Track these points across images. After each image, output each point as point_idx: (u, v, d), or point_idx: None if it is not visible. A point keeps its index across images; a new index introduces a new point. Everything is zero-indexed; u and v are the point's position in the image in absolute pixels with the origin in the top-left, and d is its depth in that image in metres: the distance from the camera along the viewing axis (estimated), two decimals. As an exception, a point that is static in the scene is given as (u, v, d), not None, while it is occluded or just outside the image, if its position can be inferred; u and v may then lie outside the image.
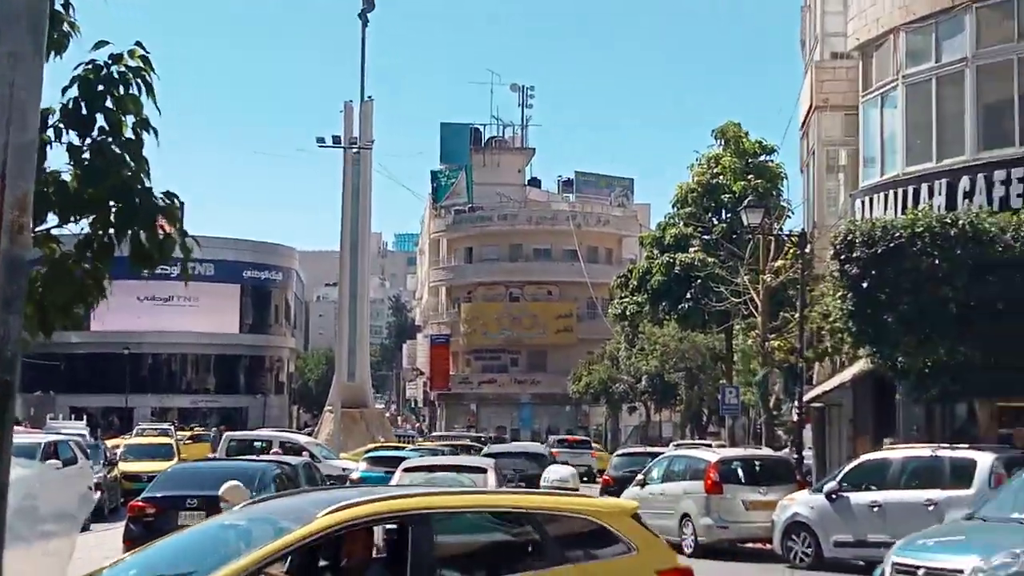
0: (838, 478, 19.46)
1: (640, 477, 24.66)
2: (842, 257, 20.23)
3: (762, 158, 42.68)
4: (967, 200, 21.31)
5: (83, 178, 6.47)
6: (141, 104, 6.55)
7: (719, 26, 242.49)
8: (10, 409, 3.91)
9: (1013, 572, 10.56)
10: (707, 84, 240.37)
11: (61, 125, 6.53)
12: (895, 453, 19.20)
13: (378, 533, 8.27)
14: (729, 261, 34.58)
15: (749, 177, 41.22)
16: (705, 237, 41.49)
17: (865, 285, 19.79)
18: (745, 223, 30.09)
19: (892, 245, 19.58)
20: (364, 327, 60.92)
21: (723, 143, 43.07)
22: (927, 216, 19.96)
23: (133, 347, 76.74)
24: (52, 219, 6.58)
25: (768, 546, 20.76)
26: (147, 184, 6.55)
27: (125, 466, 31.27)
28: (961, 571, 10.86)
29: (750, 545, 22.08)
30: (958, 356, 19.45)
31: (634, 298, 46.81)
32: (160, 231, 6.54)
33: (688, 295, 41.38)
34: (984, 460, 16.99)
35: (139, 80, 6.52)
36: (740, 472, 22.51)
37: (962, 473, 17.13)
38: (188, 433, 53.05)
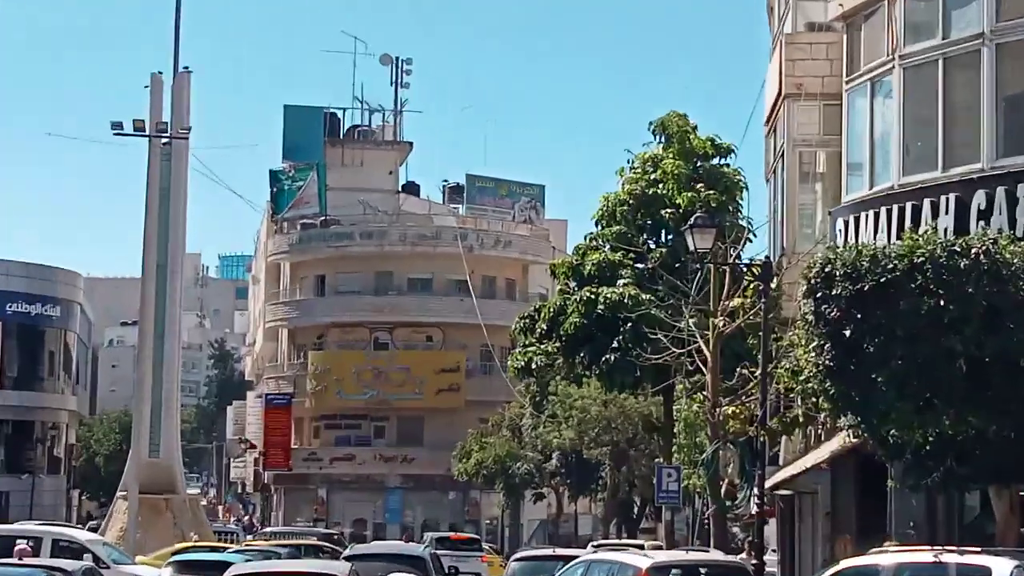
0: (810, 591, 19.68)
1: (547, 590, 24.66)
2: (817, 295, 20.42)
3: (715, 161, 43.18)
4: (983, 221, 21.75)
5: None
6: None
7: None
8: None
9: None
10: (645, 65, 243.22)
11: None
12: (887, 559, 19.39)
13: None
14: (669, 298, 34.83)
15: (698, 186, 41.65)
16: (638, 266, 41.75)
17: (848, 333, 20.00)
18: (691, 248, 30.26)
19: (883, 280, 19.80)
20: (173, 382, 60.04)
21: (664, 140, 43.49)
22: (930, 242, 20.21)
23: None
24: None
25: None
26: None
27: None
28: None
29: None
30: (968, 429, 19.78)
31: (543, 347, 46.89)
32: None
33: (615, 344, 41.55)
34: (1001, 568, 17.23)
35: None
36: (681, 583, 22.61)
37: (972, 585, 17.37)
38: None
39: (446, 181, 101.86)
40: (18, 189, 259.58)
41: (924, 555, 19.10)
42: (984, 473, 20.61)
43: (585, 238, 46.13)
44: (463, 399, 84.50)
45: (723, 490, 35.95)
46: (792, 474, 30.20)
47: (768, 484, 30.26)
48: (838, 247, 22.08)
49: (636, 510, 58.49)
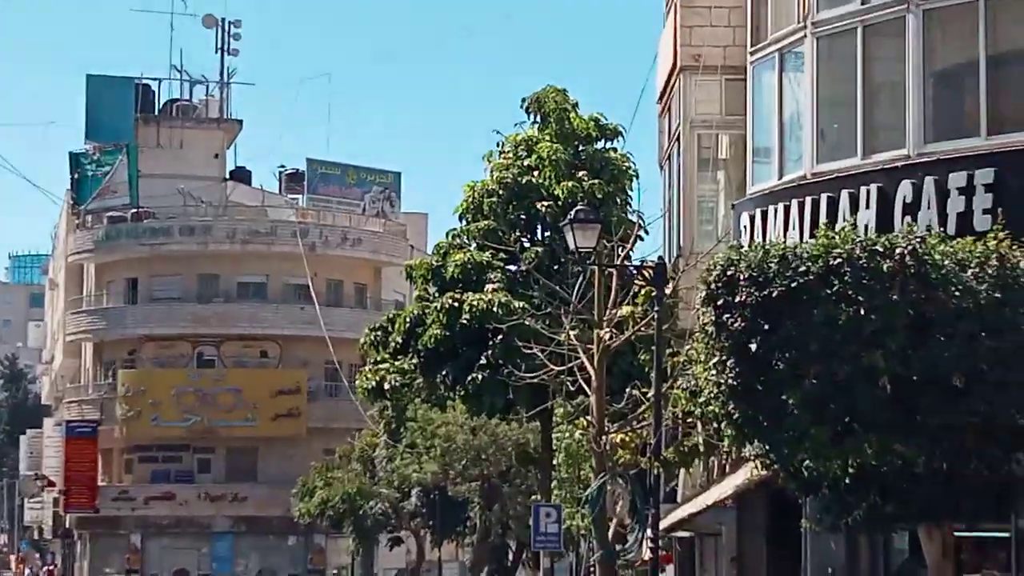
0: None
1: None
2: (719, 303, 20.56)
3: (600, 145, 43.41)
4: (908, 217, 21.97)
5: None
6: None
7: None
8: None
9: None
10: (519, 34, 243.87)
11: None
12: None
13: None
14: (547, 307, 34.95)
15: (580, 174, 41.84)
16: (510, 268, 41.86)
17: (754, 347, 20.16)
18: (572, 247, 30.45)
19: (795, 285, 19.98)
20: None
21: (540, 120, 43.65)
22: (848, 241, 20.40)
23: None
24: None
25: None
26: None
27: None
28: None
29: None
30: (894, 458, 20.05)
31: (398, 363, 46.86)
32: None
33: (483, 360, 41.67)
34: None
35: None
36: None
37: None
38: None
39: (283, 167, 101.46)
40: None
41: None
42: (913, 511, 20.86)
43: (447, 235, 46.10)
44: (304, 426, 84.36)
45: (611, 532, 36.17)
46: (691, 513, 30.44)
47: (663, 524, 30.49)
48: (742, 246, 22.20)
49: (510, 556, 58.61)
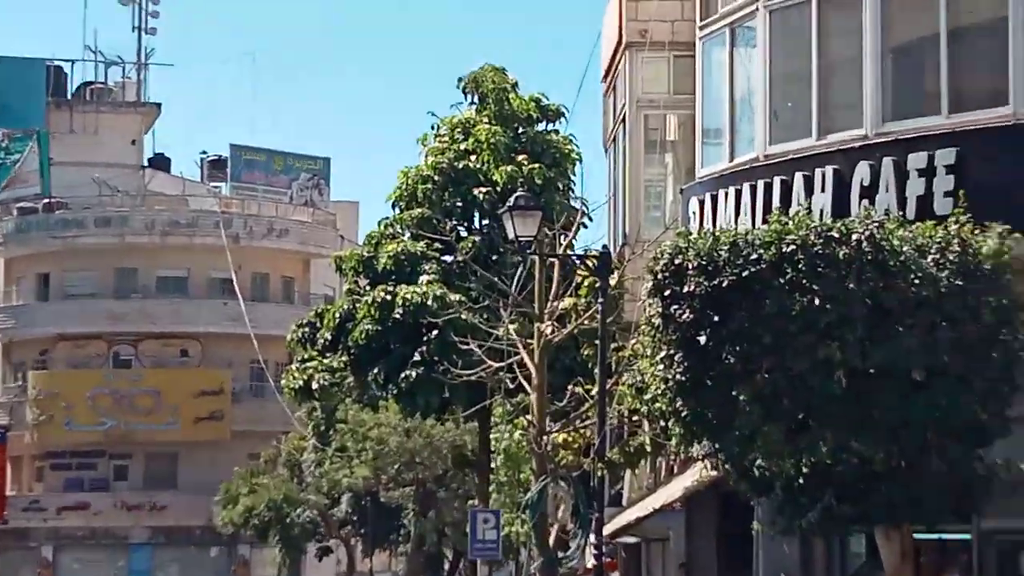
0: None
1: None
2: (667, 293, 20.57)
3: (541, 127, 43.51)
4: (866, 200, 21.99)
5: None
6: None
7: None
8: None
9: None
10: (455, 9, 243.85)
11: None
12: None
13: None
14: (485, 300, 34.96)
15: (520, 158, 41.93)
16: (446, 259, 41.90)
17: (703, 340, 20.21)
18: (511, 235, 30.46)
19: (747, 274, 20.02)
20: None
21: (478, 101, 43.69)
22: (803, 227, 20.44)
23: None
24: None
25: None
26: None
27: None
28: None
29: None
30: (850, 457, 20.12)
31: (327, 361, 46.86)
32: None
33: (417, 356, 41.69)
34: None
35: None
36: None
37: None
38: None
39: (204, 153, 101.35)
40: None
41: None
42: (870, 512, 20.92)
43: (380, 224, 46.12)
44: (228, 429, 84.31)
45: (553, 538, 36.21)
46: (638, 517, 30.52)
47: (608, 530, 30.56)
48: (691, 233, 22.21)
49: (447, 566, 58.70)
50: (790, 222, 20.76)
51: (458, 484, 50.84)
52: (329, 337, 45.82)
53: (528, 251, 31.86)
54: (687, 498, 27.24)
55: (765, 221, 21.95)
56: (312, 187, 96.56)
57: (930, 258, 20.04)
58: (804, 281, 19.87)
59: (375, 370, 43.74)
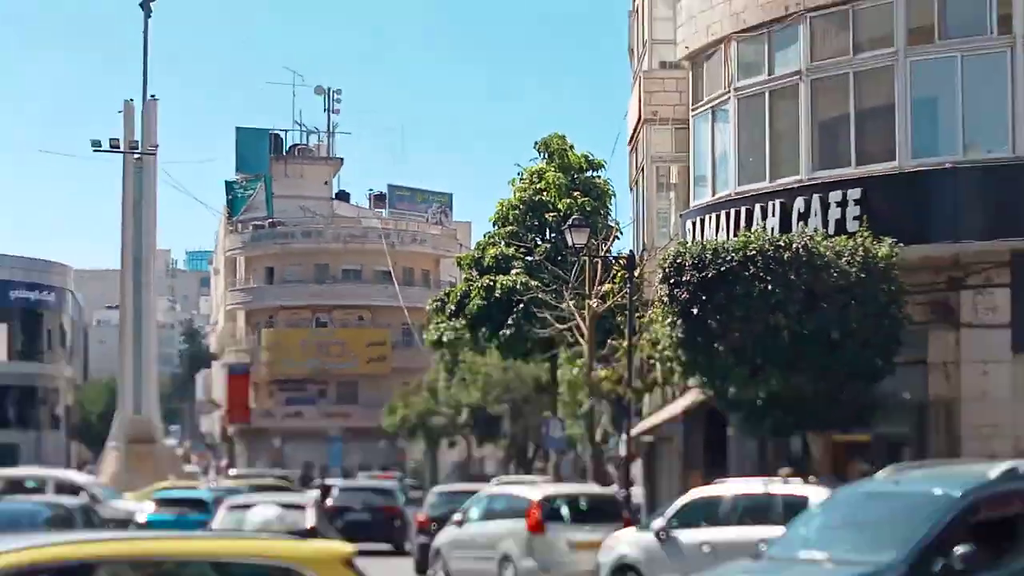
0: (667, 516, 19.72)
1: (458, 516, 24.64)
2: (671, 281, 20.51)
3: (589, 174, 43.32)
4: (802, 222, 21.77)
5: None
6: None
7: (545, 33, 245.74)
8: None
9: None
10: (532, 94, 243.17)
11: None
12: (726, 489, 19.62)
13: None
14: (553, 284, 34.91)
15: (575, 194, 41.77)
16: (528, 258, 41.82)
17: (695, 311, 20.11)
18: (570, 243, 30.38)
19: (723, 269, 19.93)
20: (150, 354, 59.38)
21: (547, 157, 43.56)
22: (760, 239, 20.37)
23: None
24: None
25: (595, 591, 20.95)
26: None
27: None
28: None
29: (575, 590, 22.25)
30: (791, 387, 19.98)
31: (452, 324, 46.80)
32: None
33: (510, 321, 41.58)
34: (817, 496, 17.42)
35: None
36: (564, 510, 22.66)
37: (796, 510, 17.54)
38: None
39: (371, 190, 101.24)
40: (14, 194, 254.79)
41: (757, 486, 19.37)
42: (804, 422, 20.84)
43: (485, 236, 46.06)
44: (389, 367, 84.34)
45: (598, 437, 36.17)
46: (653, 424, 30.40)
47: (634, 432, 30.47)
48: (687, 243, 22.17)
49: (531, 453, 58.59)
50: (752, 236, 20.68)
51: (536, 402, 50.71)
52: (453, 308, 45.75)
53: (581, 254, 31.84)
54: (685, 413, 27.13)
55: (735, 235, 21.85)
56: (440, 212, 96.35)
57: (844, 259, 19.93)
58: (761, 274, 19.79)
59: (483, 329, 43.70)
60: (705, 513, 19.22)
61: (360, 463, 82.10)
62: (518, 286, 40.26)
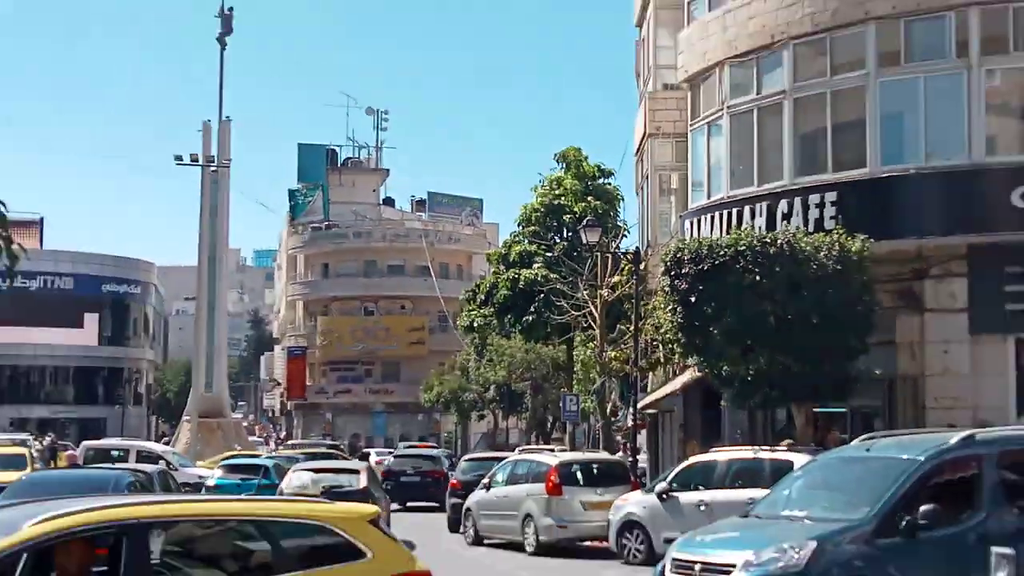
0: (668, 479, 19.78)
1: (486, 480, 24.71)
2: (672, 273, 20.50)
3: (601, 181, 43.30)
4: (785, 221, 21.73)
5: None
6: None
7: (564, 59, 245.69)
8: None
9: (780, 566, 10.80)
10: (553, 111, 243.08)
11: None
12: (720, 455, 19.60)
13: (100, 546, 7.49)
14: (570, 277, 34.90)
15: (589, 198, 41.77)
16: (548, 254, 41.83)
17: (693, 299, 20.09)
18: (584, 241, 30.36)
19: (717, 262, 19.91)
20: (222, 339, 59.72)
21: (565, 166, 43.56)
22: (749, 236, 20.34)
23: (-10, 359, 74.28)
24: None
25: (604, 544, 20.98)
26: None
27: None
28: (733, 565, 11.02)
29: (588, 543, 22.28)
30: (777, 365, 19.91)
31: (482, 311, 46.92)
32: None
33: (532, 309, 41.67)
34: (800, 461, 17.38)
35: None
36: (579, 474, 22.72)
37: (781, 473, 17.50)
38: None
39: (413, 196, 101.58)
40: (107, 199, 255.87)
41: (747, 452, 19.34)
42: (789, 396, 20.77)
43: (510, 235, 46.19)
44: (427, 349, 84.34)
45: (608, 410, 36.14)
46: (656, 398, 30.36)
47: (640, 405, 30.45)
48: (685, 240, 22.11)
49: (549, 425, 58.56)
50: (742, 233, 20.62)
51: (555, 380, 50.65)
52: (483, 298, 45.91)
53: (594, 250, 31.79)
54: (684, 388, 27.07)
55: (727, 233, 21.81)
56: (472, 215, 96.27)
57: (822, 253, 19.85)
58: (750, 266, 19.74)
59: (508, 316, 43.80)
60: (702, 476, 19.24)
61: (400, 434, 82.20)
62: (539, 278, 40.28)
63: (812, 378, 19.87)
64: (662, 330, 22.51)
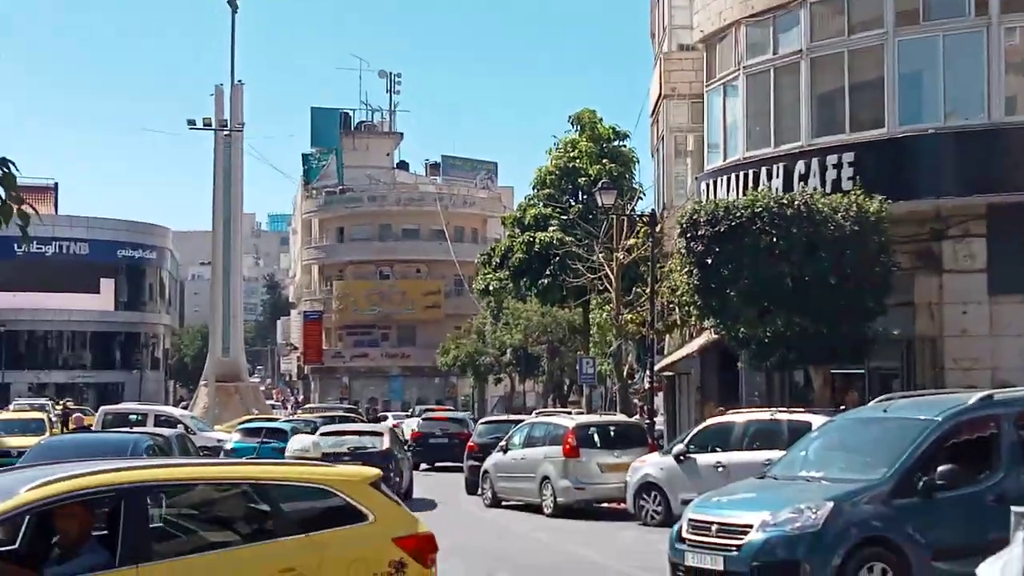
0: (685, 441, 19.82)
1: (503, 443, 24.81)
2: (688, 235, 20.45)
3: (616, 143, 43.12)
4: (802, 182, 21.64)
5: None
6: None
7: (577, 20, 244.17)
8: None
9: (797, 526, 10.85)
10: (566, 73, 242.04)
11: None
12: (738, 417, 19.62)
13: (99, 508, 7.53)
14: (585, 240, 34.87)
15: (604, 161, 41.63)
16: (563, 217, 41.78)
17: (709, 261, 20.05)
18: (600, 204, 30.30)
19: (733, 224, 19.85)
20: (238, 304, 59.92)
21: (579, 129, 43.38)
22: (765, 197, 20.27)
23: (9, 324, 74.58)
24: None
25: (622, 505, 21.08)
26: None
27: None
28: (750, 526, 11.08)
29: (605, 505, 22.39)
30: (794, 327, 19.90)
31: (497, 275, 46.93)
32: None
33: (547, 272, 41.64)
34: (818, 423, 17.40)
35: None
36: (596, 437, 22.79)
37: (798, 435, 17.51)
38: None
39: (427, 160, 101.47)
40: (121, 164, 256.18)
41: (764, 414, 19.36)
42: (806, 357, 20.77)
43: (525, 198, 46.10)
44: (443, 313, 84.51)
45: (625, 373, 36.18)
46: (673, 360, 30.40)
47: (656, 368, 30.48)
48: (701, 202, 22.06)
49: (566, 388, 58.69)
50: (758, 195, 20.56)
51: (571, 343, 50.73)
52: (498, 261, 45.90)
53: (609, 212, 31.74)
54: (701, 351, 27.09)
55: (744, 194, 21.74)
56: (487, 179, 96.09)
57: (839, 214, 19.78)
58: (767, 228, 19.69)
59: (524, 279, 43.80)
60: (719, 438, 19.27)
61: (417, 398, 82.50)
62: (554, 241, 40.30)
63: (829, 339, 19.86)
64: (678, 292, 22.48)
